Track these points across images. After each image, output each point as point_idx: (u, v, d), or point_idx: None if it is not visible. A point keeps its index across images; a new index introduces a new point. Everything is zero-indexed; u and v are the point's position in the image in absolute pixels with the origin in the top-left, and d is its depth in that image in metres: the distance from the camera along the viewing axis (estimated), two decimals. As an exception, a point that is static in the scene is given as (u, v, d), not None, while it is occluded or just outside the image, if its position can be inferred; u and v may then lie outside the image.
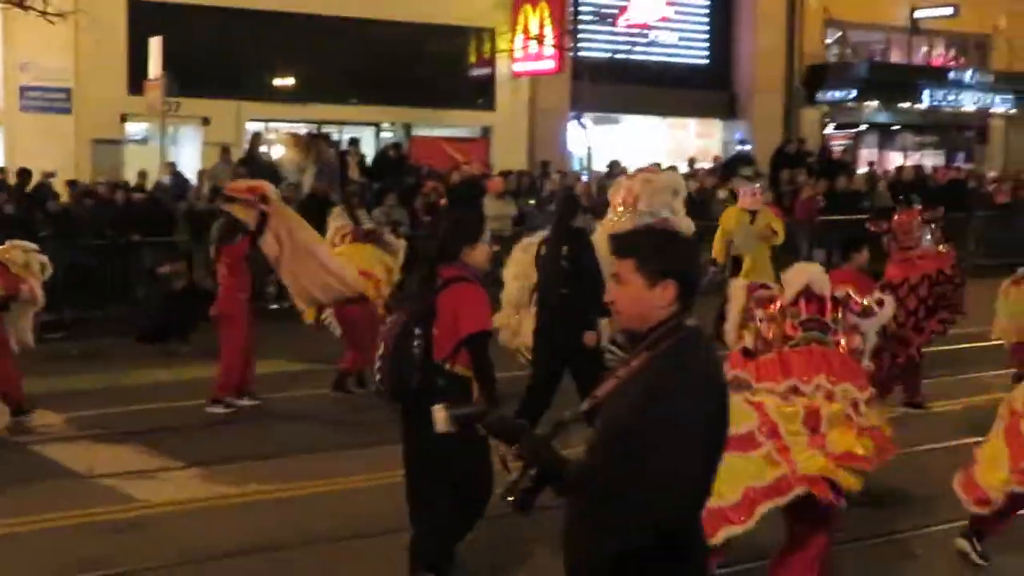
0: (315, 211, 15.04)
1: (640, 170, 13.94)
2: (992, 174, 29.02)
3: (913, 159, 31.28)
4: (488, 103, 26.09)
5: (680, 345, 3.71)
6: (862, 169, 27.90)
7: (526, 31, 25.30)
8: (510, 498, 3.78)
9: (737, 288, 6.82)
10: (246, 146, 21.83)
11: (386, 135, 25.11)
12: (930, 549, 7.73)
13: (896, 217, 11.82)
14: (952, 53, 33.29)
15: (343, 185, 19.80)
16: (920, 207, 12.73)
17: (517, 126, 26.09)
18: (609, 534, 3.64)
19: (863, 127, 31.65)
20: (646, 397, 3.62)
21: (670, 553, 3.65)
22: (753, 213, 14.47)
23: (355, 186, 19.56)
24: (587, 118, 25.59)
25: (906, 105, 30.18)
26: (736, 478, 5.79)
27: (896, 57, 32.18)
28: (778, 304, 6.49)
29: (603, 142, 26.95)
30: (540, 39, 25.14)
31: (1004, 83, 30.91)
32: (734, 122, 29.11)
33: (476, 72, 26.15)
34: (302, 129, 23.62)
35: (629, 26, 26.54)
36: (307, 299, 11.97)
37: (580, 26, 25.99)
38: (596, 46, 26.34)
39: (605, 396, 3.81)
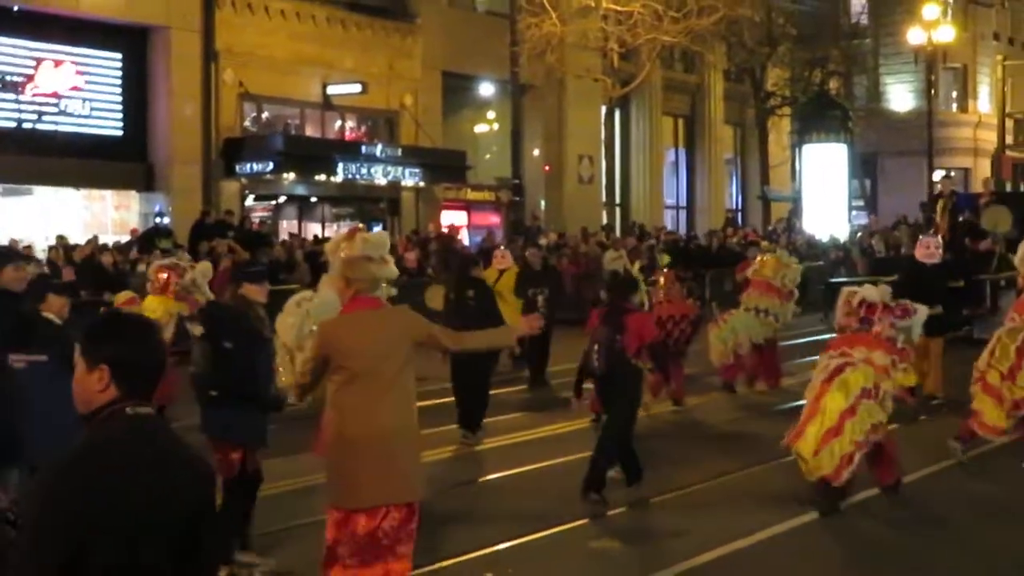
0: None
1: (352, 232, 15.17)
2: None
3: (331, 230, 32.31)
4: None
5: (99, 435, 3.56)
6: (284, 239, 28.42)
7: (-78, 97, 23.65)
8: None
9: None
10: None
11: None
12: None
13: None
14: (364, 128, 34.82)
15: None
16: None
17: (-86, 198, 24.31)
18: None
19: (282, 199, 32.27)
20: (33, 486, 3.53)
21: None
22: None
23: None
24: (-7, 189, 24.33)
25: (322, 177, 31.02)
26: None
27: (311, 131, 33.16)
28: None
29: (13, 215, 25.72)
30: (-62, 106, 23.61)
31: (411, 157, 32.63)
32: (152, 194, 28.64)
33: None
34: None
35: (37, 95, 25.57)
36: None
37: (-16, 94, 24.64)
38: (3, 115, 25.09)
39: None
